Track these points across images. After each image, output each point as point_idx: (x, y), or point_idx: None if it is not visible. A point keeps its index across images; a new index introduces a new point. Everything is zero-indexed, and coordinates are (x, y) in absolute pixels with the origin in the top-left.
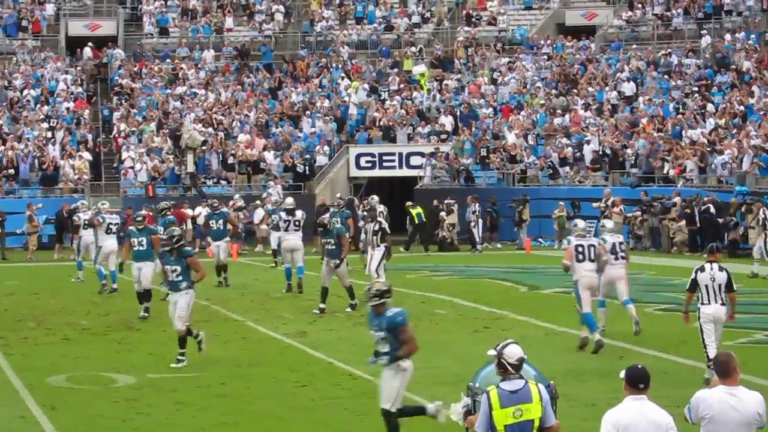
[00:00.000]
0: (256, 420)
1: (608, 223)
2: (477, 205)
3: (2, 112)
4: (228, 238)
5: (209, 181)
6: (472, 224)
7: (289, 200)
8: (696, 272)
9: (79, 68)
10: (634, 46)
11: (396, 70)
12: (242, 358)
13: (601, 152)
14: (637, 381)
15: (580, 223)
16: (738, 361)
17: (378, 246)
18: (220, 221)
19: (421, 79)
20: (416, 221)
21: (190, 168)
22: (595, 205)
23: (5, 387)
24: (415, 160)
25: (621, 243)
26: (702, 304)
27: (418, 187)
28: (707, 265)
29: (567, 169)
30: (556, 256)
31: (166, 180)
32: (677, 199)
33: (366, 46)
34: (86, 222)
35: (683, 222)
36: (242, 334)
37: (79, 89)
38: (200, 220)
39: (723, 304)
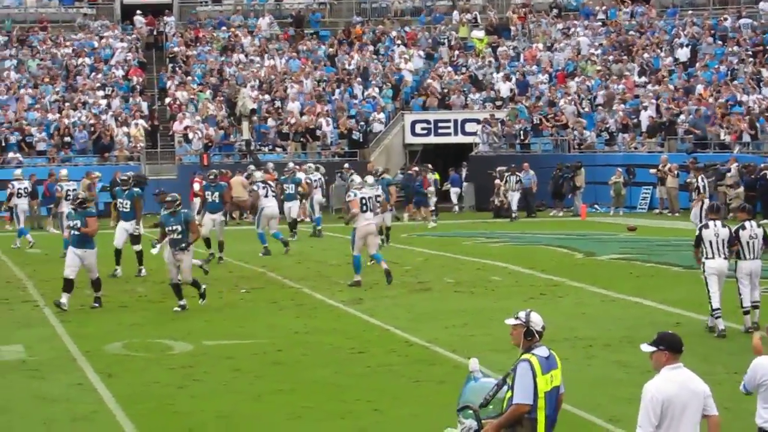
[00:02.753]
0: (313, 387)
1: (358, 178)
2: (521, 173)
3: (58, 80)
4: (223, 212)
5: (264, 148)
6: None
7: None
8: (700, 230)
9: (133, 36)
10: (690, 11)
11: (451, 36)
12: (298, 325)
13: (657, 119)
14: (679, 346)
15: (357, 178)
16: None
17: None
18: (216, 194)
19: (479, 44)
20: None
21: (246, 136)
22: (651, 171)
23: (62, 354)
24: (470, 127)
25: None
26: (707, 258)
27: (473, 153)
28: (711, 223)
29: (623, 135)
30: (611, 223)
31: (221, 148)
32: (734, 166)
33: (420, 13)
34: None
35: (741, 189)
36: (298, 301)
37: (134, 57)
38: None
39: (725, 258)
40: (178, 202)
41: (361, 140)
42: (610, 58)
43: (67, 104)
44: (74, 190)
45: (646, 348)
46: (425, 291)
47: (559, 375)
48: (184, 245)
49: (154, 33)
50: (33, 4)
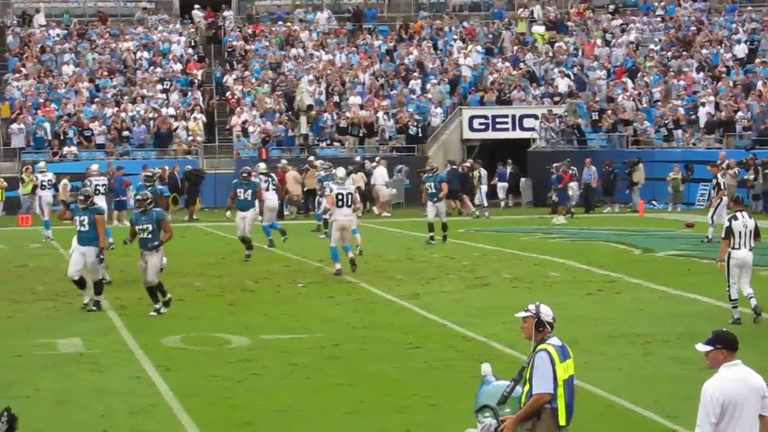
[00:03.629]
0: (370, 382)
1: (339, 172)
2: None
3: (116, 74)
4: (255, 209)
5: (322, 143)
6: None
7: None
8: (730, 221)
9: (192, 30)
10: (749, 7)
11: (510, 32)
12: (356, 320)
13: (715, 115)
14: (735, 343)
15: (340, 172)
16: None
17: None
18: (249, 191)
19: (539, 38)
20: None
21: (304, 130)
22: (709, 168)
23: (121, 348)
24: (528, 123)
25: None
26: (733, 248)
27: (531, 149)
28: (738, 214)
29: (681, 131)
30: (669, 219)
31: (282, 142)
32: None
33: (479, 8)
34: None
35: None
36: (356, 295)
37: (193, 51)
38: (313, 184)
39: (751, 249)
40: (149, 201)
41: (419, 135)
42: (669, 54)
43: (125, 98)
44: (104, 185)
45: (702, 348)
46: (483, 286)
47: (572, 364)
48: (155, 244)
49: (213, 27)
50: None
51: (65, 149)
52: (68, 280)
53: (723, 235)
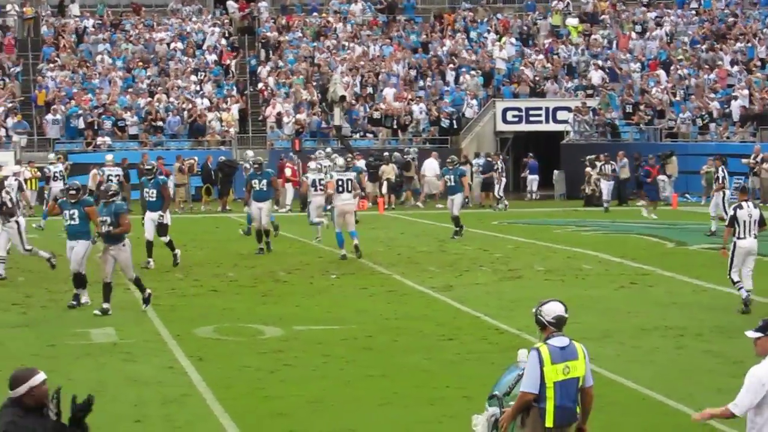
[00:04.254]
0: (403, 373)
1: (339, 161)
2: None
3: (150, 65)
4: (271, 200)
5: (356, 134)
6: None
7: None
8: (735, 210)
9: (226, 21)
10: None
11: (544, 24)
12: (389, 312)
13: (749, 108)
14: None
15: (339, 160)
16: None
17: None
18: (264, 182)
19: (573, 31)
20: None
21: (337, 121)
22: (744, 161)
23: (154, 338)
24: (561, 115)
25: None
26: (738, 238)
27: (565, 141)
28: (744, 204)
29: (714, 125)
30: (703, 212)
31: (315, 134)
32: None
33: (513, 0)
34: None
35: None
36: (389, 287)
37: (227, 42)
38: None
39: (755, 237)
40: (111, 193)
41: (452, 127)
42: (703, 47)
43: (159, 88)
44: (117, 176)
45: (752, 334)
46: (516, 278)
47: (579, 366)
48: (108, 233)
49: (247, 18)
50: None
51: (99, 139)
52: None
53: (727, 223)
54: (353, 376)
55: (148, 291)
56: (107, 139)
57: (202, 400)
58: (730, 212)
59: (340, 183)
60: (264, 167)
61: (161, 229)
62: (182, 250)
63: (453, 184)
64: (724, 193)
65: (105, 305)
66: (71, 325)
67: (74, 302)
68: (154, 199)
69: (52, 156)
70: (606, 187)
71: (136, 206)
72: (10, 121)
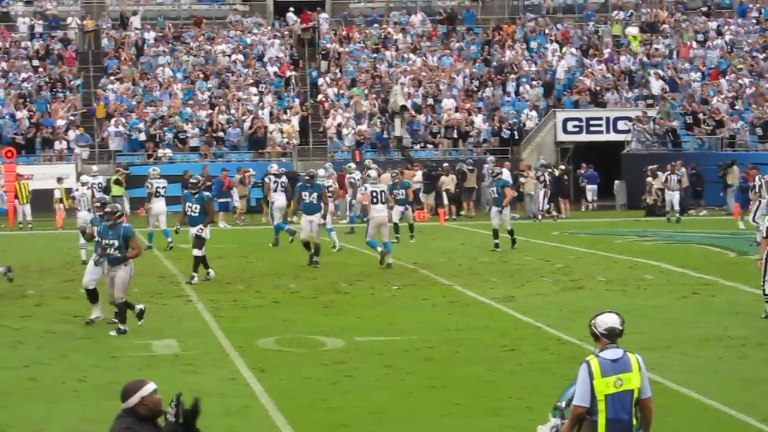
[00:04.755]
0: (465, 384)
1: (372, 173)
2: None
3: (211, 77)
4: (320, 213)
5: (416, 145)
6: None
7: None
8: None
9: (286, 33)
10: None
11: (604, 34)
12: (450, 322)
13: None
14: None
15: (373, 173)
16: None
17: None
18: (314, 194)
19: (633, 41)
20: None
21: (398, 132)
22: None
23: (216, 349)
24: (622, 125)
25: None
26: None
27: (625, 151)
28: None
29: None
30: None
31: (375, 145)
32: None
33: (573, 11)
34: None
35: None
36: (450, 297)
37: (287, 54)
38: (414, 186)
39: None
40: (118, 214)
41: (513, 137)
42: (761, 56)
43: (219, 100)
44: (164, 187)
45: None
46: (577, 289)
47: (634, 379)
48: (117, 257)
49: (307, 30)
50: (187, 1)
51: (160, 151)
52: (164, 282)
53: (765, 234)
54: (415, 386)
55: (139, 306)
56: (168, 151)
57: (264, 411)
58: (765, 223)
59: (374, 194)
60: (315, 180)
61: (197, 241)
62: (243, 261)
63: (496, 196)
64: (759, 203)
65: (122, 327)
66: (133, 336)
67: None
68: (197, 214)
69: (95, 168)
70: (674, 197)
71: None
72: (72, 134)
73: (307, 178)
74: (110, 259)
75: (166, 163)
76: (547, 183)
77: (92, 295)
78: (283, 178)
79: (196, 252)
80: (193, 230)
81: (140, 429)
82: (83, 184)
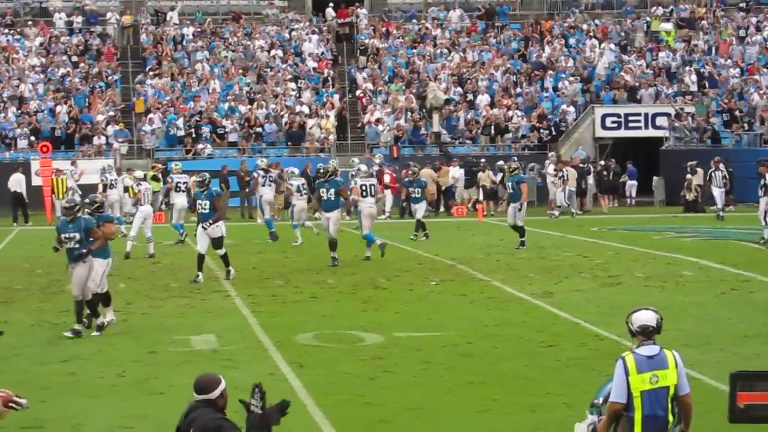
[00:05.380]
0: (503, 380)
1: (362, 167)
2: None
3: (249, 72)
4: (339, 210)
5: (455, 141)
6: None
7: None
8: None
9: (324, 28)
10: None
11: (638, 29)
12: (488, 318)
13: None
14: None
15: (363, 167)
16: None
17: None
18: (332, 191)
19: (667, 36)
20: None
21: (436, 128)
22: None
23: (254, 344)
24: (660, 121)
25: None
26: None
27: (664, 148)
28: None
29: None
30: None
31: (413, 141)
32: None
33: (612, 6)
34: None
35: None
36: (488, 294)
37: (325, 49)
38: (450, 182)
39: None
40: (77, 208)
41: (551, 133)
42: None
43: (258, 96)
44: (185, 182)
45: None
46: (616, 285)
47: (670, 375)
48: (82, 252)
49: (346, 25)
50: None
51: (199, 146)
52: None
53: None
54: (453, 382)
55: (102, 320)
56: (207, 147)
57: (303, 406)
58: None
59: (363, 188)
60: (334, 175)
61: (216, 242)
62: (282, 256)
63: (512, 191)
64: None
65: (100, 320)
66: (172, 332)
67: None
68: (207, 210)
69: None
70: (717, 194)
71: (234, 214)
72: (110, 129)
73: (321, 172)
74: (71, 255)
75: (205, 158)
76: (566, 179)
77: (104, 299)
78: (271, 173)
79: (220, 252)
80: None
81: (229, 422)
82: (141, 180)
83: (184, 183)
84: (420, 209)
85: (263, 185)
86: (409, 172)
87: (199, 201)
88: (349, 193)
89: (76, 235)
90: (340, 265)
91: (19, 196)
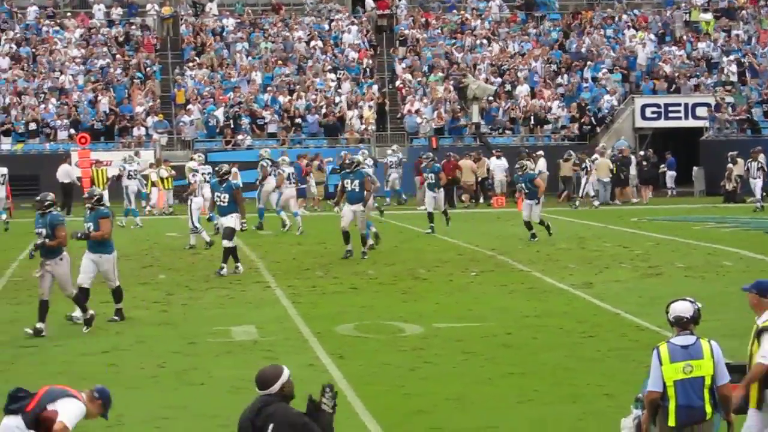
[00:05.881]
0: (544, 370)
1: (370, 161)
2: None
3: (289, 63)
4: (364, 202)
5: (494, 132)
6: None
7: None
8: None
9: (364, 19)
10: None
11: (676, 18)
12: (528, 309)
13: None
14: None
15: (370, 161)
16: None
17: None
18: (356, 182)
19: (706, 26)
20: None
21: (475, 119)
22: None
23: (295, 335)
24: (700, 111)
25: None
26: None
27: (704, 138)
28: None
29: None
30: None
31: (452, 132)
32: None
33: None
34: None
35: None
36: (528, 284)
37: (365, 40)
38: (483, 173)
39: None
40: (47, 203)
41: (591, 124)
42: None
43: (297, 87)
44: (210, 173)
45: None
46: (656, 275)
47: (705, 365)
48: (43, 246)
49: (385, 16)
50: None
51: (239, 137)
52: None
53: None
54: (493, 373)
55: (91, 312)
56: (247, 137)
57: (343, 397)
58: None
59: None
60: (358, 166)
61: (228, 232)
62: (321, 247)
63: (527, 190)
64: None
65: (39, 325)
66: (212, 322)
67: (116, 317)
68: (226, 204)
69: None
70: (756, 184)
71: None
72: (150, 120)
73: (347, 162)
74: (43, 250)
75: (245, 149)
76: (589, 170)
77: (82, 294)
78: (280, 165)
79: (226, 243)
80: (224, 220)
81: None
82: (195, 172)
83: (208, 174)
84: (439, 198)
85: (269, 175)
86: (425, 158)
87: (217, 193)
88: (377, 185)
89: (42, 230)
90: (379, 256)
91: (67, 186)
